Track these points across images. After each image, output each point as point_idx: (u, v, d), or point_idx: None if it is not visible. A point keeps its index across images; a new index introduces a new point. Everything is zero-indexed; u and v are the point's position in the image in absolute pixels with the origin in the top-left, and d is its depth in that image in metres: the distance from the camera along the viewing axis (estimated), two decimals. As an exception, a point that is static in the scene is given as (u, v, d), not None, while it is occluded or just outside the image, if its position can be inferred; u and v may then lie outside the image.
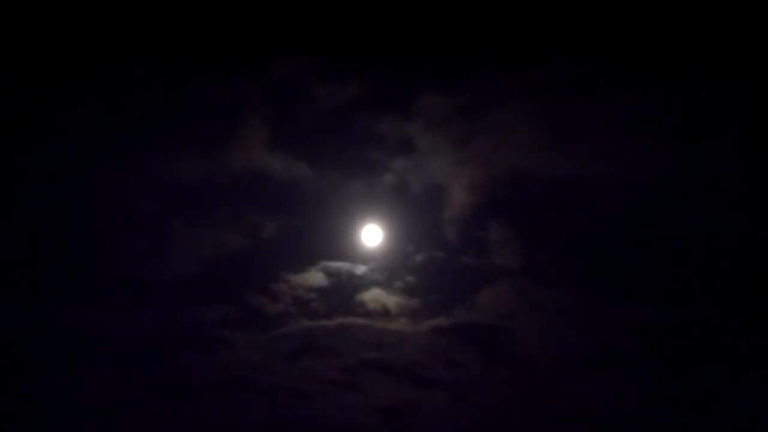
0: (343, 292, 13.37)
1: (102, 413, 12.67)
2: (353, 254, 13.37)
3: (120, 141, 12.92)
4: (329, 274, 13.37)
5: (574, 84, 13.00)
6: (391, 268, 13.42)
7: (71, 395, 12.70)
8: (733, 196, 13.25)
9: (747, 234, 13.35)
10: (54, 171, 12.83)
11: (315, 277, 13.34)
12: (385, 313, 13.40)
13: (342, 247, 13.35)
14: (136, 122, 12.91)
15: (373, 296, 13.39)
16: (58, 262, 13.02)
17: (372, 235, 13.27)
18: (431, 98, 13.12)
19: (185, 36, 12.51)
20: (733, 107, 12.88)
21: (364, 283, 13.40)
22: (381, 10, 12.71)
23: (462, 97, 13.13)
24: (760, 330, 13.37)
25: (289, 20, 12.75)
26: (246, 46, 12.69)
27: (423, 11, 12.75)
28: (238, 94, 13.02)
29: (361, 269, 13.37)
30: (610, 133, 13.31)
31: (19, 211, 12.92)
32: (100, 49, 12.48)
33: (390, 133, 13.21)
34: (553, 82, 12.98)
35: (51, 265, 13.00)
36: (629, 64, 12.73)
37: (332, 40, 12.81)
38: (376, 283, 13.41)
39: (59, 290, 12.91)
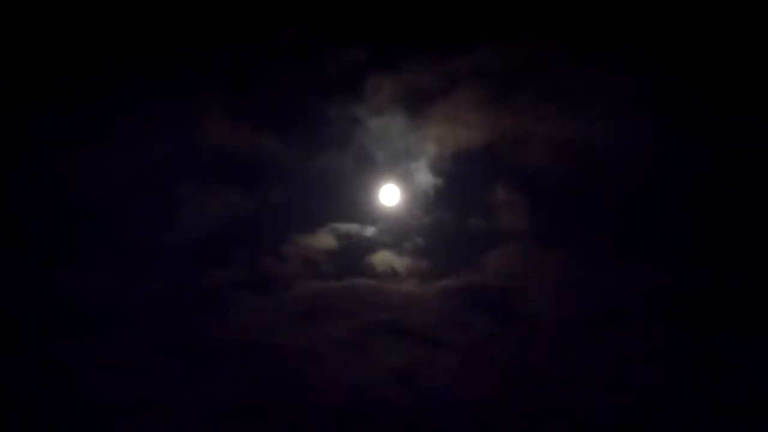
0: (352, 254, 13.64)
1: (118, 374, 12.86)
2: (362, 216, 13.69)
3: (129, 109, 13.36)
4: (338, 236, 13.64)
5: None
6: (399, 230, 13.69)
7: (88, 357, 12.89)
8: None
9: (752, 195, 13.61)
10: (66, 139, 13.25)
11: (324, 239, 13.60)
12: (393, 274, 13.64)
13: (351, 209, 13.70)
14: (141, 91, 13.34)
15: (382, 258, 13.62)
16: (74, 229, 13.37)
17: (384, 196, 13.69)
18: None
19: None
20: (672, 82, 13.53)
21: (372, 245, 13.66)
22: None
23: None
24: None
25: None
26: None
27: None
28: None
29: (370, 231, 13.64)
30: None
31: (33, 178, 13.26)
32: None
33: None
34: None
35: (66, 232, 13.34)
36: (573, 46, 13.52)
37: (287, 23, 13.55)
38: (385, 245, 13.67)
39: (74, 256, 13.23)
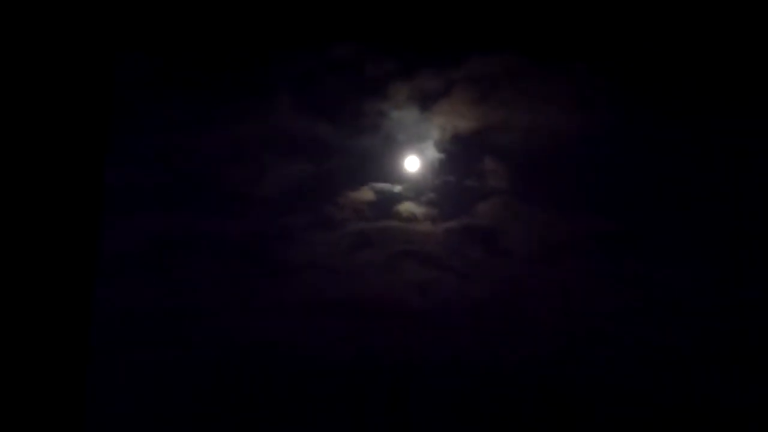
0: (385, 204, 18.58)
1: (222, 284, 18.12)
2: (392, 178, 18.76)
3: (228, 103, 18.85)
4: (376, 192, 18.65)
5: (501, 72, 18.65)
6: (418, 188, 18.83)
7: (200, 273, 18.21)
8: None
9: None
10: (187, 121, 18.74)
11: (366, 194, 18.60)
12: (414, 219, 18.58)
13: (384, 173, 18.86)
14: (238, 91, 18.77)
15: (406, 207, 18.44)
16: (189, 185, 18.76)
17: (408, 164, 18.84)
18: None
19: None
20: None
21: (399, 198, 18.54)
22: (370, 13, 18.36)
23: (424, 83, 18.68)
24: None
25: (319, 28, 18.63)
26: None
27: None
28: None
29: (397, 188, 18.59)
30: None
31: (159, 152, 18.70)
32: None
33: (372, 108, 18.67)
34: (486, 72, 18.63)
35: (185, 188, 18.74)
36: (537, 59, 17.84)
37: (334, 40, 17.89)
38: (408, 198, 18.56)
39: (191, 204, 18.56)
